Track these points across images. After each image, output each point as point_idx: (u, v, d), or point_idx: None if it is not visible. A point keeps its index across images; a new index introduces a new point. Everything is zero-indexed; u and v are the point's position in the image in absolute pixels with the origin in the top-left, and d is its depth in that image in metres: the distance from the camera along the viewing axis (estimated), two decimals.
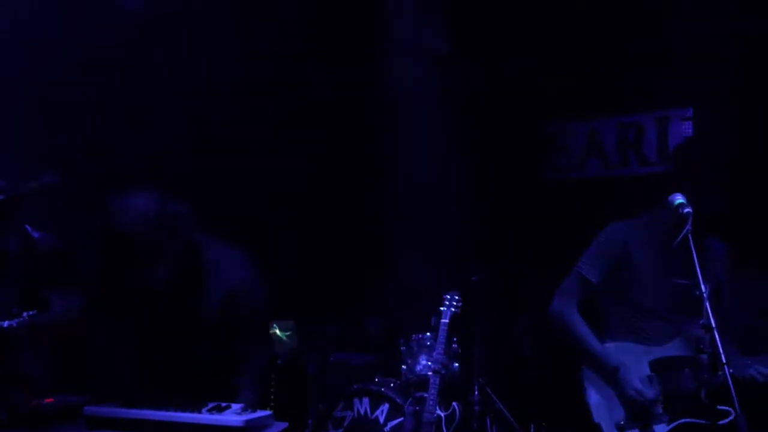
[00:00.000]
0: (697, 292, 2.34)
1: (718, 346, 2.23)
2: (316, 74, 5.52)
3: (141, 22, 4.53)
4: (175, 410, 2.19)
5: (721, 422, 2.63)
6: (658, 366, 2.83)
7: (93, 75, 4.37)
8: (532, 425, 4.78)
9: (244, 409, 2.20)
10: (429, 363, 4.42)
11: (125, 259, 2.32)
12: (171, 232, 2.34)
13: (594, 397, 2.90)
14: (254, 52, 5.08)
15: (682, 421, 2.74)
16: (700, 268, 2.45)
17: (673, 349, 2.83)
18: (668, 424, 2.74)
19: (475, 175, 5.52)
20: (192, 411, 2.19)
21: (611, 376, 2.84)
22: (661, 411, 2.76)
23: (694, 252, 2.40)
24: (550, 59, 5.28)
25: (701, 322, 2.29)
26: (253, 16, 5.01)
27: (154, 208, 2.32)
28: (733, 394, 2.16)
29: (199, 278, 2.47)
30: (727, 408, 2.61)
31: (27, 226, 3.59)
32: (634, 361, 2.84)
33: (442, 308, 4.34)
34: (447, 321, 4.28)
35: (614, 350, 2.90)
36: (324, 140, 5.65)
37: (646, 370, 2.83)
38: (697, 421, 2.71)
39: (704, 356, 2.59)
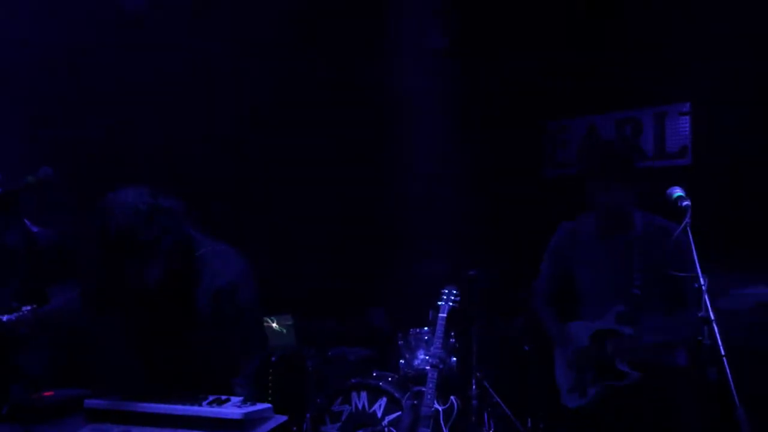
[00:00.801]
0: (696, 285, 2.36)
1: (717, 338, 2.24)
2: (320, 72, 5.53)
3: (141, 23, 4.52)
4: (175, 403, 2.20)
5: (624, 382, 3.11)
6: (594, 338, 3.25)
7: (93, 71, 4.38)
8: (529, 419, 4.79)
9: (243, 402, 2.21)
10: (427, 357, 4.44)
11: (118, 255, 2.30)
12: (163, 228, 2.32)
13: (557, 368, 3.43)
14: (256, 50, 5.08)
15: (606, 383, 3.15)
16: (624, 254, 3.15)
17: (602, 323, 3.24)
18: (595, 385, 3.19)
19: (476, 171, 5.53)
20: (192, 404, 2.19)
21: (563, 348, 3.38)
22: (591, 376, 3.21)
23: (692, 244, 2.41)
24: (549, 56, 5.29)
25: (700, 314, 2.30)
26: (255, 14, 5.00)
27: (146, 202, 2.30)
28: (732, 386, 2.17)
29: (192, 274, 2.45)
30: (627, 370, 3.09)
31: (26, 221, 3.59)
32: (580, 336, 3.31)
33: (440, 303, 4.35)
34: (445, 315, 4.29)
35: (571, 328, 3.39)
36: (325, 136, 5.65)
37: (585, 342, 3.28)
38: (614, 383, 3.13)
39: (627, 329, 3.15)
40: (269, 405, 2.24)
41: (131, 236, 2.25)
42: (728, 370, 2.21)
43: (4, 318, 2.93)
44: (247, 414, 2.14)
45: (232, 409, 2.15)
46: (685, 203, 2.51)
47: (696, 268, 2.38)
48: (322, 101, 5.59)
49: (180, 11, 4.57)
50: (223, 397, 2.24)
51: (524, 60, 5.37)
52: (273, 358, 4.70)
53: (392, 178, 5.81)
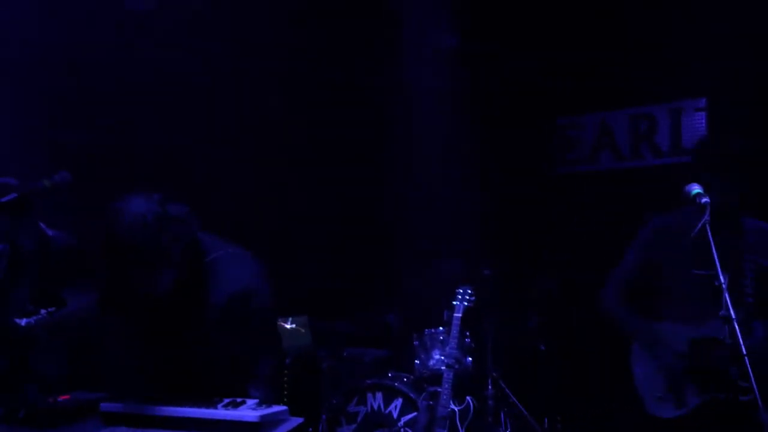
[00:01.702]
0: (716, 283, 2.33)
1: (738, 337, 2.21)
2: (328, 72, 5.52)
3: (145, 24, 4.53)
4: (191, 406, 2.19)
5: (742, 398, 2.74)
6: (695, 344, 2.95)
7: (106, 74, 4.39)
8: (546, 419, 4.77)
9: (259, 405, 2.20)
10: (442, 357, 4.42)
11: (127, 266, 2.28)
12: (172, 237, 2.29)
13: (638, 371, 3.10)
14: (260, 49, 5.08)
15: (713, 395, 2.86)
16: (733, 258, 2.67)
17: (708, 329, 2.89)
18: (699, 396, 2.88)
19: (487, 170, 5.50)
20: (207, 407, 2.18)
21: (654, 351, 3.03)
22: (693, 385, 2.90)
23: (712, 242, 2.39)
24: (560, 52, 5.26)
25: (721, 313, 2.27)
26: (259, 12, 5.00)
27: (154, 212, 2.27)
28: (755, 387, 2.14)
29: (203, 280, 2.43)
30: (748, 385, 2.54)
31: (42, 224, 3.60)
32: (675, 340, 2.99)
33: (454, 302, 4.33)
34: (460, 315, 4.27)
35: (659, 328, 3.08)
36: (336, 138, 5.65)
37: (684, 348, 2.96)
38: (724, 395, 2.83)
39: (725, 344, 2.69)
40: (285, 407, 2.23)
41: (140, 247, 2.22)
42: (750, 371, 2.18)
43: (23, 321, 2.95)
44: (263, 416, 2.13)
45: (248, 411, 2.15)
46: (704, 200, 2.48)
47: (716, 266, 2.35)
48: (335, 102, 5.58)
49: (183, 11, 4.57)
50: (239, 400, 2.23)
51: (536, 56, 5.34)
52: (288, 360, 4.70)
53: (405, 178, 5.80)
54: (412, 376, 4.53)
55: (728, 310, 2.26)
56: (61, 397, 2.39)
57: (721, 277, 2.33)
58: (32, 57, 4.17)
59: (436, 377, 4.29)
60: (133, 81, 4.54)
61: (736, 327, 2.22)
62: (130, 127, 4.59)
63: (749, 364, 2.18)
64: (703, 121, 4.86)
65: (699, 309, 2.93)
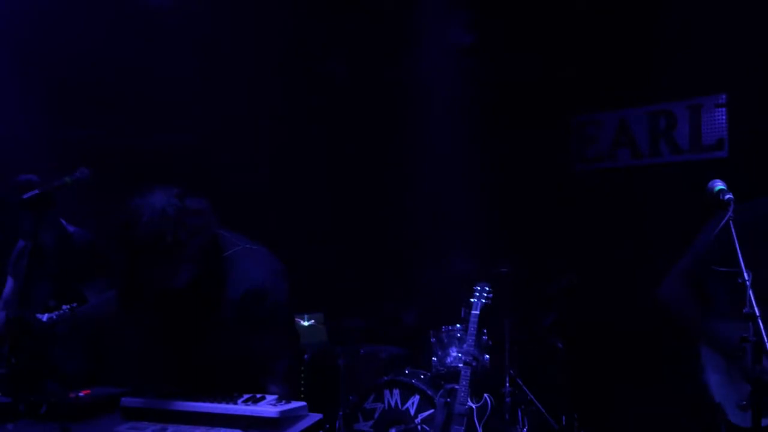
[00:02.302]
0: (740, 280, 2.30)
1: (762, 335, 2.18)
2: (342, 66, 5.52)
3: (162, 23, 4.54)
4: (211, 401, 2.20)
5: None
6: None
7: (124, 71, 4.41)
8: (563, 417, 4.75)
9: (278, 401, 2.20)
10: (459, 355, 4.41)
11: (146, 259, 2.29)
12: (191, 231, 2.30)
13: (714, 378, 2.88)
14: (274, 46, 5.08)
15: None
16: None
17: None
18: None
19: (505, 168, 5.48)
20: (227, 402, 2.19)
21: (736, 356, 2.73)
22: None
23: (735, 239, 2.35)
24: (578, 49, 5.23)
25: (745, 310, 2.24)
26: (274, 10, 5.01)
27: (173, 205, 2.28)
28: None
29: (220, 275, 2.43)
30: None
31: (62, 221, 3.64)
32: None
33: (472, 300, 4.32)
34: (477, 312, 4.26)
35: (734, 330, 2.73)
36: (352, 135, 5.65)
37: None
38: None
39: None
40: (304, 403, 2.23)
41: (159, 240, 2.23)
42: None
43: (45, 317, 2.97)
44: (282, 412, 2.13)
45: (268, 407, 2.15)
46: (727, 197, 2.44)
47: (740, 263, 2.32)
48: (350, 99, 5.59)
49: (197, 5, 4.58)
50: (258, 396, 2.23)
51: (552, 53, 5.31)
52: (306, 356, 4.71)
53: (423, 176, 5.79)
54: (429, 373, 4.52)
55: (752, 307, 2.22)
56: (82, 392, 2.40)
57: (745, 274, 2.29)
58: (49, 54, 4.20)
59: (453, 374, 4.28)
60: (149, 78, 4.56)
61: (761, 324, 2.19)
62: (148, 125, 4.62)
63: None
64: (724, 117, 4.81)
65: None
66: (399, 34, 5.62)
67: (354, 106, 5.62)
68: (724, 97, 4.82)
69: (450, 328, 4.64)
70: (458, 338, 4.55)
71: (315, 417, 2.25)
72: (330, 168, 5.61)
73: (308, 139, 5.47)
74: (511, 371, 4.74)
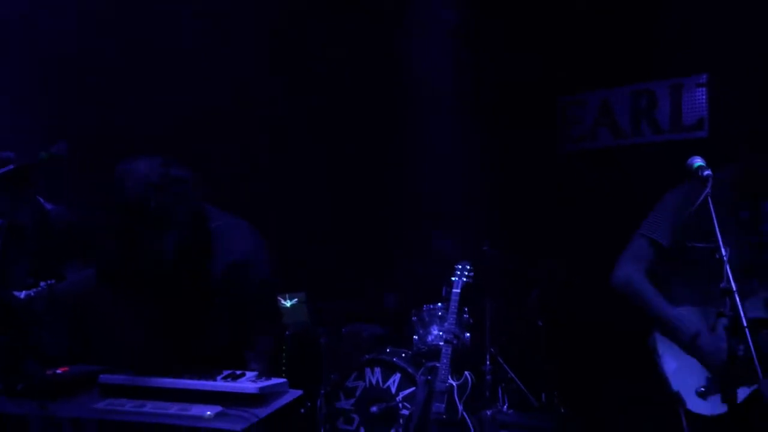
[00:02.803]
0: (717, 256, 2.32)
1: (739, 310, 2.20)
2: (330, 51, 5.49)
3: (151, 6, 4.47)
4: (190, 378, 2.19)
5: None
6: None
7: (105, 48, 4.35)
8: (543, 394, 4.79)
9: (258, 377, 2.20)
10: (441, 333, 4.44)
11: (132, 226, 2.30)
12: (176, 197, 2.31)
13: (670, 365, 2.85)
14: (266, 28, 5.03)
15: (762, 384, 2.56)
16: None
17: (750, 310, 2.64)
18: (749, 386, 2.65)
19: (489, 147, 5.48)
20: (207, 379, 2.19)
21: (691, 343, 2.77)
22: (741, 375, 2.56)
23: (714, 215, 2.37)
24: (561, 30, 5.21)
25: (721, 285, 2.26)
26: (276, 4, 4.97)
27: (158, 171, 2.29)
28: (756, 361, 2.14)
29: (205, 247, 2.44)
30: None
31: (40, 198, 3.58)
32: (709, 326, 2.78)
33: (453, 278, 4.34)
34: (458, 291, 4.28)
35: (690, 315, 2.82)
36: (339, 117, 5.62)
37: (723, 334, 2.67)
38: None
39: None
40: (284, 380, 2.23)
41: (144, 206, 2.24)
42: (751, 342, 2.18)
43: (22, 294, 2.94)
44: (262, 388, 2.13)
45: (247, 383, 2.15)
46: (706, 173, 2.45)
47: (717, 238, 2.33)
48: (338, 82, 5.54)
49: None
50: (238, 372, 2.23)
51: (536, 35, 5.30)
52: (287, 333, 4.71)
53: (406, 155, 5.77)
54: (410, 352, 4.55)
55: (729, 282, 2.24)
56: (60, 370, 2.39)
57: (722, 250, 2.31)
58: (27, 30, 4.13)
59: (434, 352, 4.31)
60: (132, 54, 4.49)
61: (737, 299, 2.21)
62: (137, 101, 4.55)
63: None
64: (704, 97, 4.83)
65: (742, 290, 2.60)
66: (385, 17, 5.59)
67: (336, 90, 5.58)
68: (704, 77, 4.83)
69: (431, 306, 4.66)
70: (439, 317, 4.58)
71: (295, 393, 2.26)
72: (313, 150, 5.58)
73: (290, 123, 5.43)
74: (492, 349, 4.77)
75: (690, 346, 2.78)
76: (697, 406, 2.74)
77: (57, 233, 3.53)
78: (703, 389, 2.74)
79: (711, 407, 2.71)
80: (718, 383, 2.71)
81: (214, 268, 2.44)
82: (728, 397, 2.49)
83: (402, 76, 5.67)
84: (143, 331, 2.64)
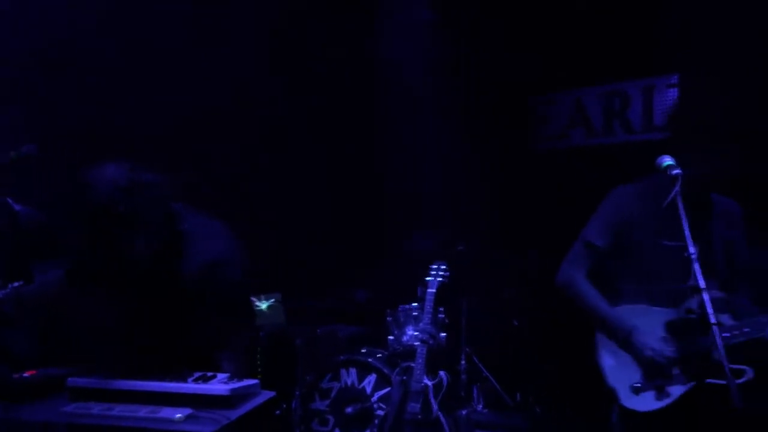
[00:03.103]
0: (686, 254, 2.34)
1: (707, 308, 2.23)
2: (309, 47, 5.46)
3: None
4: (161, 380, 2.17)
5: (733, 381, 2.41)
6: (674, 327, 2.76)
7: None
8: (518, 393, 4.81)
9: (230, 378, 2.19)
10: (416, 333, 4.42)
11: (101, 230, 2.29)
12: (145, 201, 2.31)
13: (608, 361, 2.86)
14: (245, 29, 5.00)
15: (698, 381, 2.66)
16: (704, 231, 2.49)
17: (685, 309, 2.72)
18: (684, 384, 2.68)
19: (462, 147, 5.49)
20: (178, 381, 2.17)
21: (625, 339, 2.80)
22: (677, 371, 2.70)
23: (683, 214, 2.39)
24: (534, 29, 5.24)
25: (690, 283, 2.28)
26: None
27: (125, 177, 2.29)
28: (723, 358, 2.16)
29: (177, 248, 2.43)
30: (742, 367, 2.52)
31: (8, 199, 3.53)
32: (649, 324, 2.79)
33: (428, 278, 4.33)
34: (434, 291, 4.27)
35: (628, 313, 2.85)
36: (310, 117, 5.60)
37: (661, 332, 2.78)
38: (713, 381, 2.61)
39: (724, 317, 2.61)
40: (256, 381, 2.22)
41: (112, 211, 2.23)
42: (719, 340, 2.20)
43: None
44: (233, 390, 2.12)
45: (219, 385, 2.14)
46: (675, 172, 2.47)
47: (686, 236, 2.36)
48: (308, 81, 5.52)
49: None
50: (209, 374, 2.22)
51: (509, 33, 5.33)
52: (261, 334, 4.68)
53: (380, 156, 5.77)
54: (386, 352, 4.53)
55: (697, 280, 2.26)
56: (28, 373, 2.36)
57: (691, 248, 2.33)
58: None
59: (409, 353, 4.29)
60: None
61: (706, 297, 2.24)
62: (113, 100, 4.50)
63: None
64: (675, 97, 4.89)
65: (672, 287, 2.75)
66: (358, 13, 5.58)
67: (312, 88, 5.56)
68: (675, 77, 4.89)
69: (407, 307, 4.65)
70: (414, 317, 4.57)
71: (267, 395, 2.25)
72: (285, 149, 5.55)
73: (263, 118, 5.40)
74: (467, 349, 4.78)
75: (624, 342, 2.80)
76: (631, 401, 2.76)
77: (26, 234, 3.48)
78: (637, 385, 2.77)
79: (644, 403, 2.73)
80: (652, 380, 2.74)
81: (187, 270, 2.42)
82: (659, 395, 2.61)
83: (376, 77, 5.67)
84: (116, 333, 2.62)
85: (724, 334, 2.46)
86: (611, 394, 2.81)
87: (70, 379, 2.25)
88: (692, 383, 2.67)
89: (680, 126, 2.81)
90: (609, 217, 2.96)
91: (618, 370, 2.82)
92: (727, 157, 2.69)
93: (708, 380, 2.61)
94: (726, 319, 2.62)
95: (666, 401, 2.68)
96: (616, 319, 2.85)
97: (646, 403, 2.72)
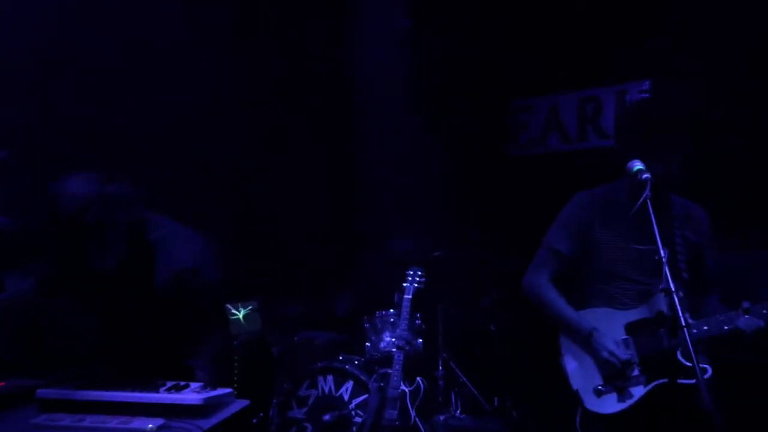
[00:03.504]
0: (656, 257, 2.36)
1: (677, 309, 2.25)
2: (281, 54, 5.45)
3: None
4: (132, 390, 2.14)
5: (694, 380, 2.41)
6: (634, 328, 2.80)
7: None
8: (496, 398, 4.82)
9: (203, 388, 2.16)
10: (393, 339, 4.42)
11: (74, 241, 2.28)
12: (112, 213, 2.31)
13: (571, 364, 2.89)
14: (216, 31, 4.97)
15: (660, 381, 2.69)
16: (665, 233, 2.50)
17: (646, 311, 2.78)
18: (645, 385, 2.71)
19: (439, 153, 5.51)
20: (149, 391, 2.14)
21: (586, 341, 2.83)
22: (637, 373, 2.73)
23: (653, 217, 2.41)
24: (510, 35, 5.28)
25: (661, 286, 2.31)
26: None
27: (94, 188, 2.30)
28: (693, 357, 2.18)
29: (148, 256, 2.42)
30: (704, 365, 2.56)
31: None
32: (610, 326, 2.82)
33: (405, 284, 4.33)
34: (410, 297, 4.28)
35: (589, 316, 2.88)
36: (287, 122, 5.58)
37: (622, 334, 2.81)
38: (676, 381, 2.66)
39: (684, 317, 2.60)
40: (230, 389, 2.20)
41: (80, 222, 2.23)
42: (689, 342, 2.22)
43: None
44: (207, 399, 2.10)
45: (191, 394, 2.11)
46: (645, 176, 2.49)
47: (657, 240, 2.38)
48: (285, 85, 5.50)
49: None
50: (182, 383, 2.19)
51: (486, 39, 5.36)
52: (235, 342, 4.65)
53: (357, 161, 5.77)
54: (363, 359, 4.52)
55: (668, 282, 2.29)
56: None
57: (662, 251, 2.36)
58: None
59: (386, 359, 4.29)
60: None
61: (676, 300, 2.26)
62: (87, 104, 4.45)
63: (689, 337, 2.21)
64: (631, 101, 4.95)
65: (635, 289, 2.82)
66: (335, 20, 5.58)
67: (290, 92, 5.54)
68: (647, 83, 4.94)
69: (383, 313, 4.65)
70: (391, 323, 4.57)
71: (241, 403, 2.23)
72: (263, 154, 5.52)
73: (241, 124, 5.37)
74: (444, 354, 4.78)
75: (585, 345, 2.84)
76: (594, 404, 2.78)
77: None
78: (600, 388, 2.79)
79: (606, 405, 2.75)
80: (612, 381, 2.76)
81: (158, 276, 2.41)
82: (621, 397, 2.64)
83: (352, 80, 5.67)
84: (87, 342, 2.59)
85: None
86: (575, 397, 2.83)
87: (39, 390, 2.21)
88: (654, 383, 2.68)
89: (641, 126, 2.77)
90: (570, 222, 3.02)
91: (581, 373, 2.85)
92: (687, 158, 2.71)
93: (666, 380, 2.66)
94: (687, 318, 2.58)
95: (628, 402, 2.70)
96: (578, 320, 2.88)
97: (609, 405, 2.75)
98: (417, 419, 3.96)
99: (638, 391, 2.71)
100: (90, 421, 2.06)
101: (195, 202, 4.22)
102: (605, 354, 2.75)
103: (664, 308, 2.64)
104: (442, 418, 4.42)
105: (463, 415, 4.58)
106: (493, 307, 5.09)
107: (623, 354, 2.74)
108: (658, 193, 2.53)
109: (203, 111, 4.96)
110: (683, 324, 2.23)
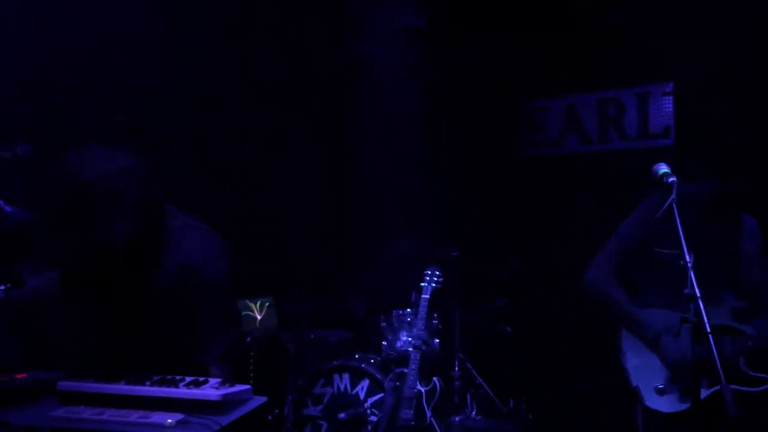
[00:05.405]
0: (681, 262, 2.34)
1: (702, 316, 2.23)
2: (286, 51, 5.44)
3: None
4: (152, 385, 2.15)
5: (756, 389, 2.66)
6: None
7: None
8: (511, 400, 4.80)
9: (222, 384, 2.16)
10: (409, 339, 4.42)
11: (84, 212, 2.23)
12: (124, 182, 2.25)
13: (633, 361, 2.93)
14: (222, 23, 4.97)
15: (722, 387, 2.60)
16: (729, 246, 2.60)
17: (712, 317, 2.67)
18: (708, 388, 2.72)
19: (456, 153, 5.49)
20: (169, 386, 2.14)
21: (653, 342, 2.86)
22: (702, 377, 2.68)
23: (678, 222, 2.39)
24: (529, 34, 5.24)
25: (686, 291, 2.28)
26: None
27: (105, 159, 2.25)
28: (718, 365, 2.16)
29: (160, 245, 2.39)
30: (763, 375, 2.62)
31: None
32: (672, 329, 2.73)
33: (422, 284, 4.33)
34: (428, 297, 4.27)
35: (655, 316, 2.91)
36: (298, 120, 5.57)
37: (687, 337, 2.72)
38: (735, 387, 2.67)
39: (746, 327, 2.75)
40: (248, 386, 2.20)
41: (90, 191, 2.18)
42: (714, 348, 2.19)
43: None
44: (225, 395, 2.10)
45: (210, 390, 2.11)
46: (671, 179, 2.48)
47: (682, 244, 2.36)
48: (284, 84, 5.49)
49: None
50: (201, 379, 2.19)
51: (502, 38, 5.32)
52: (248, 339, 4.65)
53: (373, 160, 5.75)
54: (379, 358, 4.52)
55: (693, 288, 2.27)
56: (18, 376, 2.33)
57: (687, 256, 2.33)
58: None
59: (403, 358, 4.28)
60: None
61: (701, 305, 2.24)
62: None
63: (713, 343, 2.18)
64: (670, 105, 4.90)
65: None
66: (347, 16, 5.56)
67: (298, 90, 5.53)
68: (671, 85, 4.90)
69: (400, 312, 4.64)
70: (408, 323, 4.56)
71: (259, 400, 2.23)
72: (276, 153, 5.52)
73: (252, 122, 5.37)
74: (461, 355, 4.77)
75: (653, 344, 2.88)
76: (655, 402, 2.83)
77: (17, 236, 3.45)
78: (661, 387, 2.83)
79: (668, 404, 2.80)
80: (677, 382, 2.80)
81: (168, 268, 2.38)
82: (689, 397, 2.64)
83: (363, 79, 5.64)
84: (97, 335, 2.58)
85: (748, 343, 2.63)
86: (635, 394, 2.88)
87: (60, 382, 2.22)
88: (715, 388, 2.69)
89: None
90: (645, 221, 3.00)
91: (643, 371, 2.89)
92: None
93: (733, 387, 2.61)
94: (748, 329, 2.74)
95: (689, 403, 2.74)
96: (646, 320, 2.92)
97: (670, 404, 2.79)
98: (432, 419, 3.95)
99: (702, 394, 2.71)
100: (110, 414, 2.06)
101: (195, 201, 4.23)
102: (673, 356, 2.79)
103: (727, 317, 2.73)
104: (457, 419, 4.40)
105: (479, 417, 4.56)
106: (509, 309, 5.06)
107: (683, 356, 2.76)
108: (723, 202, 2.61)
109: (203, 111, 4.98)
110: (708, 331, 2.20)
